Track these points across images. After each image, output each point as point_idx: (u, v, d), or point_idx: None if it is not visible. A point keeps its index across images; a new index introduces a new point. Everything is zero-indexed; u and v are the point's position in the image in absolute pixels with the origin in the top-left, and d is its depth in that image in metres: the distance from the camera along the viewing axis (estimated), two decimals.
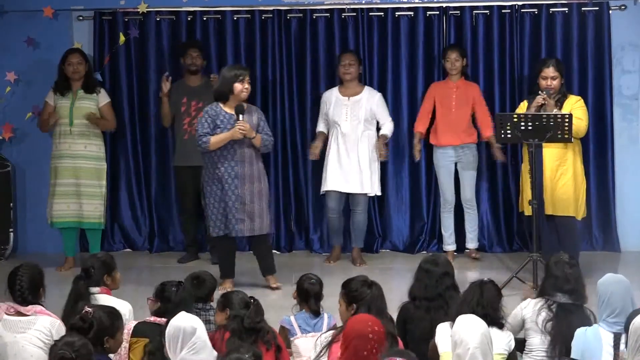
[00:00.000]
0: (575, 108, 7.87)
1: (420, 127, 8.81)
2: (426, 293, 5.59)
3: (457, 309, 5.15)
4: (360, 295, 5.33)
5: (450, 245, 8.92)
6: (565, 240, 7.90)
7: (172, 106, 8.79)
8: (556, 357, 5.34)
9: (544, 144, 7.60)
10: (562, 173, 7.88)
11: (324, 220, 9.22)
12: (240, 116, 7.57)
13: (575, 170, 7.94)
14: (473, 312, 5.00)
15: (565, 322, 5.39)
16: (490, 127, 8.52)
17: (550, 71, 7.89)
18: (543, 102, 7.79)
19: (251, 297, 5.41)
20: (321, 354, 5.15)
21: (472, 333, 4.71)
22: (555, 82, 7.88)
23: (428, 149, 9.04)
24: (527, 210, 7.81)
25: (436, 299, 5.55)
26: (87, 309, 4.89)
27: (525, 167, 7.93)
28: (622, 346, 5.07)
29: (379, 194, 8.89)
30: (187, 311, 5.27)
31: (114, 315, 4.99)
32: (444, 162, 8.79)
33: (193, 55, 8.78)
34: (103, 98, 8.72)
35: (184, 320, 4.81)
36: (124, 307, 5.67)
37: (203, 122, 7.66)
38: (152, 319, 5.34)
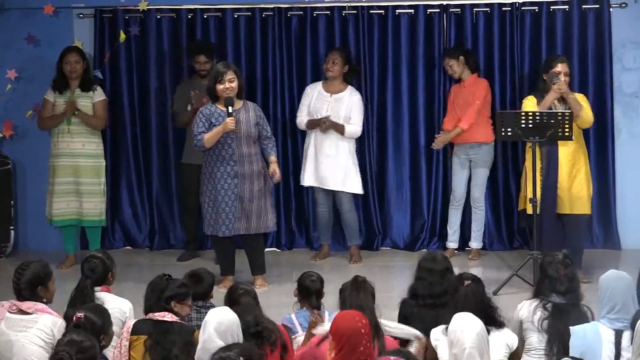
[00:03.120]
0: (581, 101, 7.96)
1: (447, 124, 8.82)
2: (432, 290, 5.58)
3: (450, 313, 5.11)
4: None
5: (452, 242, 8.93)
6: (572, 237, 7.94)
7: (181, 104, 8.76)
8: (554, 356, 5.33)
9: (559, 143, 7.69)
10: (577, 171, 7.93)
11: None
12: (230, 108, 7.59)
13: (586, 168, 8.02)
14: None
15: (561, 321, 5.38)
16: (467, 120, 8.55)
17: (564, 67, 7.95)
18: (559, 91, 7.83)
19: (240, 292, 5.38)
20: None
21: (468, 332, 4.70)
22: (567, 79, 7.93)
23: (431, 145, 9.07)
24: (529, 209, 7.81)
25: (442, 295, 5.54)
26: (78, 314, 4.92)
27: (528, 165, 7.93)
28: (624, 343, 5.06)
29: (361, 192, 8.87)
30: (158, 303, 5.27)
31: (102, 312, 5.05)
32: (458, 158, 8.81)
33: (201, 62, 8.73)
34: (98, 95, 8.70)
35: (210, 315, 4.81)
36: (124, 306, 5.70)
37: (198, 122, 7.70)
38: (148, 316, 5.36)
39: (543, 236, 7.71)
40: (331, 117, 8.62)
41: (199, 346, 4.77)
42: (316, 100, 8.73)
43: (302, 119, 8.79)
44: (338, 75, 8.74)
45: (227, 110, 7.59)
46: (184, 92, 8.79)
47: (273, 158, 7.91)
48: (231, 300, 5.37)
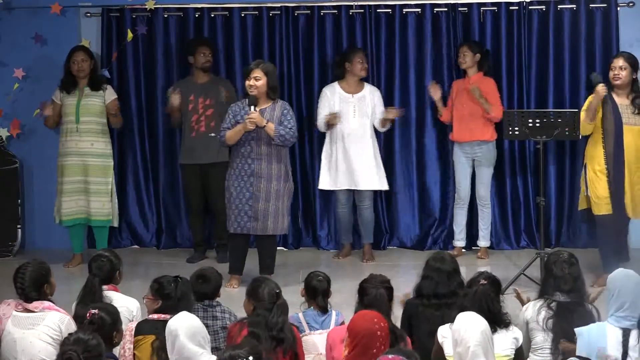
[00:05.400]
0: None
1: (445, 116, 8.83)
2: (437, 290, 5.59)
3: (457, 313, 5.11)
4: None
5: (460, 241, 8.93)
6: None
7: (180, 104, 8.76)
8: (560, 355, 5.33)
9: (625, 143, 7.58)
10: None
11: (332, 217, 9.24)
12: (252, 107, 7.58)
13: None
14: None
15: (566, 320, 5.38)
16: (498, 113, 8.52)
17: (619, 61, 7.74)
18: (604, 92, 7.57)
19: (277, 292, 5.36)
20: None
21: (472, 331, 4.70)
22: (624, 73, 7.68)
23: (439, 144, 9.12)
24: (597, 209, 7.70)
25: (448, 295, 5.54)
26: (92, 311, 4.94)
27: (592, 165, 7.77)
28: (631, 342, 5.05)
29: (387, 188, 8.90)
30: (188, 305, 5.27)
31: (112, 310, 5.06)
32: (460, 158, 8.80)
33: (205, 53, 8.76)
34: (110, 95, 8.72)
35: (175, 323, 4.80)
36: (132, 305, 5.71)
37: (225, 118, 7.77)
38: (156, 316, 5.33)
39: (615, 239, 7.73)
40: (357, 116, 8.64)
41: (172, 358, 4.76)
42: (340, 103, 8.70)
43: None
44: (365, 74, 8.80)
45: (250, 108, 7.60)
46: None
47: (271, 124, 7.61)
48: (252, 296, 5.40)
